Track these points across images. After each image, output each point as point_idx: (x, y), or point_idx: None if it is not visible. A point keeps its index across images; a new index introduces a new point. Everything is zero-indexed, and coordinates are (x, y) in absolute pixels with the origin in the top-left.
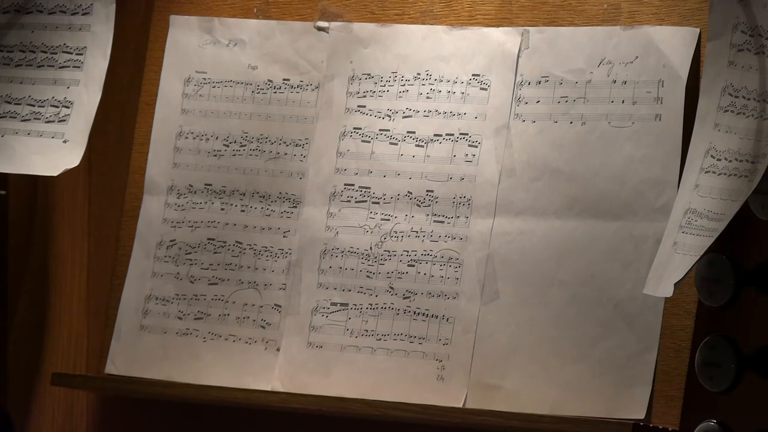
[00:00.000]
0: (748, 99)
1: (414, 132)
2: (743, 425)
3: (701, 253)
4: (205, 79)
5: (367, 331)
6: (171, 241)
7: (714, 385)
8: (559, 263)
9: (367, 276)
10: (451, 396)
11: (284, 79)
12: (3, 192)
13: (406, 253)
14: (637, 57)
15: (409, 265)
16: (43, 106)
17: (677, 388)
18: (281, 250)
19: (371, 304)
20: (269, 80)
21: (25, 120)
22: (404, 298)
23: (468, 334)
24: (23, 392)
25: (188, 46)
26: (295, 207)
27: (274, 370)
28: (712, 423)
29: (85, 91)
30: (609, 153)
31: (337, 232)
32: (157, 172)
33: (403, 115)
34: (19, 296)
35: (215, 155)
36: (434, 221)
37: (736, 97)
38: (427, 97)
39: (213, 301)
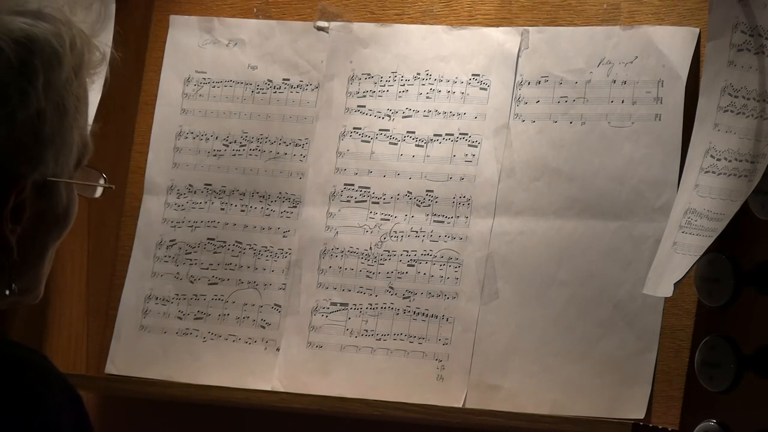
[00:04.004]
0: (748, 99)
1: (414, 132)
2: (743, 425)
3: (701, 253)
4: (205, 78)
5: (366, 331)
6: (171, 241)
7: (714, 385)
8: (559, 263)
9: (367, 276)
10: (450, 396)
11: (284, 79)
12: (112, 186)
13: (405, 253)
14: (636, 57)
15: (408, 265)
16: None
17: (677, 388)
18: (281, 250)
19: (371, 304)
20: (269, 80)
21: None
22: (404, 298)
23: (468, 334)
24: None
25: (188, 46)
26: (295, 207)
27: (273, 370)
28: (712, 423)
29: None
30: (609, 153)
31: (337, 232)
32: (157, 172)
33: (403, 115)
34: None
35: (215, 155)
36: (434, 221)
37: (736, 97)
38: (427, 97)
39: (213, 301)
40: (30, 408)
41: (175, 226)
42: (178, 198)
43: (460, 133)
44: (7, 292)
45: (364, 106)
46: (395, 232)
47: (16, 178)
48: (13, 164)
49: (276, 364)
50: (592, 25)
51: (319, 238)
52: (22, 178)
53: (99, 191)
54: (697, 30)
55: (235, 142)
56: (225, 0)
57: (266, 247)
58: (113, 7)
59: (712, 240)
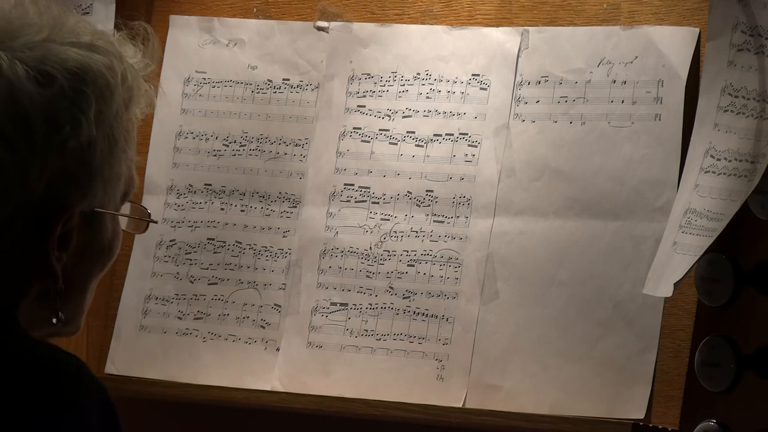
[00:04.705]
0: (748, 99)
1: (414, 132)
2: (743, 425)
3: (701, 253)
4: (204, 78)
5: (366, 330)
6: (171, 241)
7: (714, 385)
8: (559, 263)
9: (367, 276)
10: (450, 396)
11: (284, 79)
12: (156, 221)
13: (405, 253)
14: (636, 57)
15: (408, 265)
16: None
17: (677, 388)
18: (281, 250)
19: (371, 304)
20: (269, 80)
21: None
22: (404, 298)
23: (468, 334)
24: None
25: (188, 46)
26: (295, 207)
27: (273, 370)
28: (712, 423)
29: None
30: (609, 153)
31: (337, 232)
32: (156, 171)
33: (403, 115)
34: None
35: (215, 155)
36: (434, 221)
37: (736, 97)
38: (427, 97)
39: (213, 301)
40: (63, 407)
41: (175, 226)
42: (178, 198)
43: (460, 133)
44: (54, 320)
45: (364, 106)
46: (395, 232)
47: (64, 207)
48: (62, 192)
49: (276, 364)
50: (592, 25)
51: (319, 238)
52: (70, 207)
53: (143, 227)
54: (697, 30)
55: (235, 142)
56: (225, 0)
57: (266, 247)
58: (113, 7)
59: (712, 240)
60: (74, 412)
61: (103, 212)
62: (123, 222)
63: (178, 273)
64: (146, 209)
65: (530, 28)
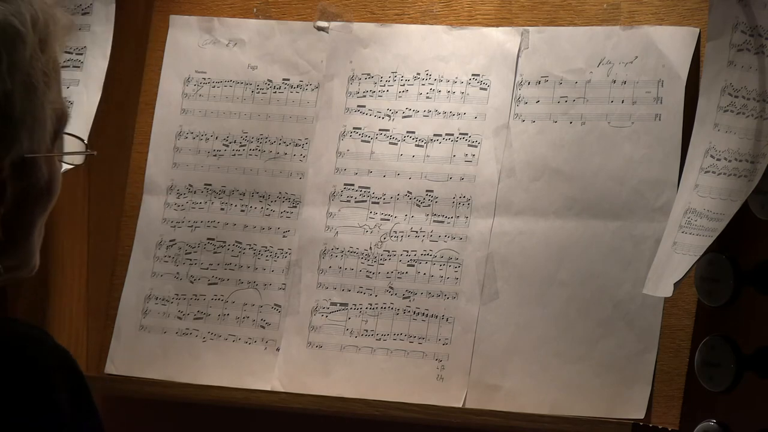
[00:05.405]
0: (748, 99)
1: (414, 132)
2: (743, 425)
3: (701, 253)
4: (204, 78)
5: (366, 330)
6: (171, 240)
7: (714, 385)
8: (559, 263)
9: (367, 276)
10: (450, 396)
11: (284, 79)
12: (94, 152)
13: (405, 253)
14: (636, 57)
15: (408, 265)
16: None
17: (677, 388)
18: (281, 250)
19: (371, 304)
20: (269, 80)
21: None
22: (404, 298)
23: (468, 334)
24: None
25: (188, 46)
26: (295, 207)
27: (273, 370)
28: (712, 423)
29: (84, 90)
30: (608, 153)
31: (337, 232)
32: (156, 171)
33: (403, 115)
34: (18, 297)
35: (215, 155)
36: (434, 221)
37: (736, 96)
38: (427, 97)
39: (212, 301)
40: (29, 382)
41: (175, 226)
42: (178, 198)
43: (460, 133)
44: None
45: (364, 106)
46: (395, 232)
47: None
48: None
49: (276, 364)
50: (592, 25)
51: (319, 238)
52: None
53: (80, 158)
54: (697, 30)
55: (235, 142)
56: (225, 0)
57: (266, 247)
58: (113, 7)
59: (712, 240)
60: (41, 386)
61: (34, 157)
62: (61, 156)
63: (178, 273)
64: (82, 139)
65: (530, 28)
